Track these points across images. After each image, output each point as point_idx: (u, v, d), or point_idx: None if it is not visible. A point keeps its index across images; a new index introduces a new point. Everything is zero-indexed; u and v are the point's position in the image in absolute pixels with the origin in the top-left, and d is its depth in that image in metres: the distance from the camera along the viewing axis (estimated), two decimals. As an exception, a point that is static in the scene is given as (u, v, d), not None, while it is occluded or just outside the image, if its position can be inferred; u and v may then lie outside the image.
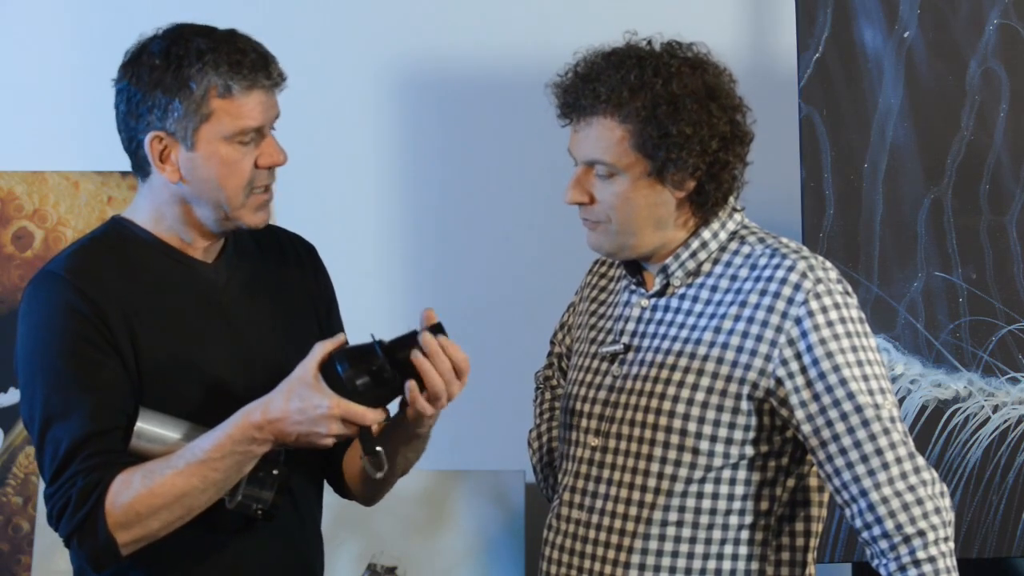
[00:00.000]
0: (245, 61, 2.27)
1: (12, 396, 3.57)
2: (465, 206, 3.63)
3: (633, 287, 2.44)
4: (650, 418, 2.34)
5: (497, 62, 3.60)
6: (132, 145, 2.33)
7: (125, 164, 3.60)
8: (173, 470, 2.19)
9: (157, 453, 2.23)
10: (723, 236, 2.38)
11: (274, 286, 2.44)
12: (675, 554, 2.33)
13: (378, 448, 2.20)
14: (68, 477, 2.22)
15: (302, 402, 2.16)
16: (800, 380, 2.28)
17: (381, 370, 2.16)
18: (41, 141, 3.64)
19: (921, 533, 2.26)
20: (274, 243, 2.49)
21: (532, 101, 3.56)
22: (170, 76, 2.26)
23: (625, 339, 2.41)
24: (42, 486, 3.48)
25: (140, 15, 3.64)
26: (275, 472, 2.24)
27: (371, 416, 2.17)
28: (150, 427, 2.24)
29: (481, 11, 3.61)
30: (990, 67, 3.24)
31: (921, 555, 2.25)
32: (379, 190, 3.64)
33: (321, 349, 2.18)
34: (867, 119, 3.24)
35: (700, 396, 2.31)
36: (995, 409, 3.24)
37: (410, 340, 2.19)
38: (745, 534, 2.35)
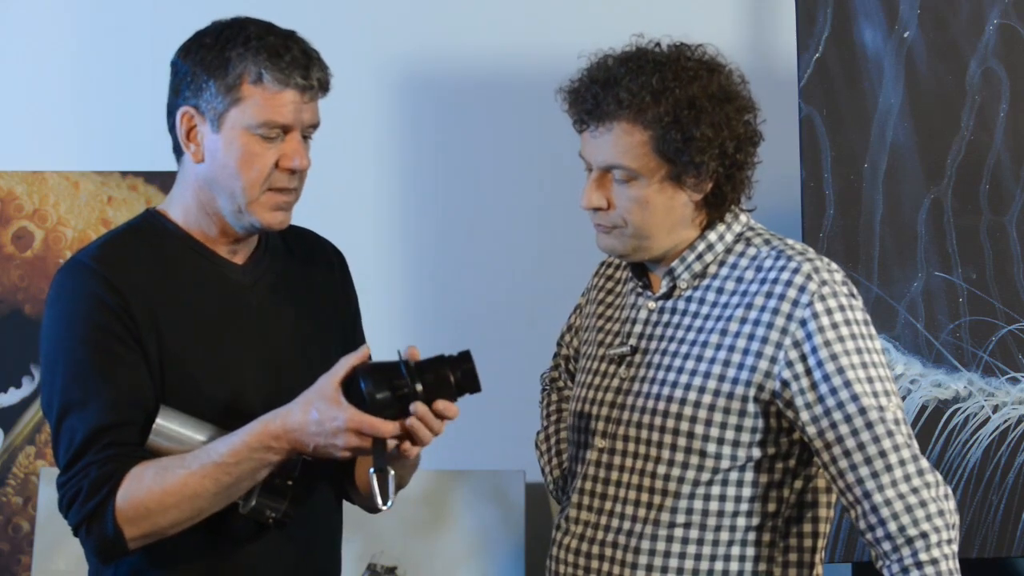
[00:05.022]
0: (286, 56, 2.27)
1: (12, 396, 3.57)
2: (465, 206, 3.63)
3: (640, 289, 2.44)
4: (657, 420, 2.34)
5: (497, 62, 3.60)
6: (170, 121, 2.33)
7: (125, 164, 3.61)
8: (187, 470, 2.19)
9: (175, 452, 2.22)
10: (729, 238, 2.39)
11: (302, 290, 2.43)
12: (683, 555, 2.33)
13: (389, 469, 2.18)
14: (82, 467, 2.21)
15: (319, 414, 2.15)
16: (805, 382, 2.28)
17: (404, 388, 2.15)
18: (41, 141, 3.64)
19: (924, 535, 2.26)
20: (305, 247, 2.48)
21: (532, 101, 3.57)
22: (213, 55, 2.26)
23: (632, 341, 2.41)
24: (42, 487, 3.48)
25: (140, 15, 3.65)
26: (290, 482, 2.24)
27: (387, 429, 2.15)
28: (170, 425, 2.23)
29: (481, 11, 3.61)
30: (990, 67, 3.24)
31: (924, 557, 2.25)
32: (379, 190, 3.64)
33: (345, 363, 2.17)
34: (867, 119, 3.24)
35: (707, 398, 2.31)
36: (995, 409, 3.24)
37: (437, 363, 2.18)
38: (752, 535, 2.35)
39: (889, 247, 3.24)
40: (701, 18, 3.52)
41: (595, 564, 2.38)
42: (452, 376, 2.18)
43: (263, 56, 2.26)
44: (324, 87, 2.32)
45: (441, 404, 2.18)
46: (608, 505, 2.38)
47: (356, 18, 3.62)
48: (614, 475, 2.38)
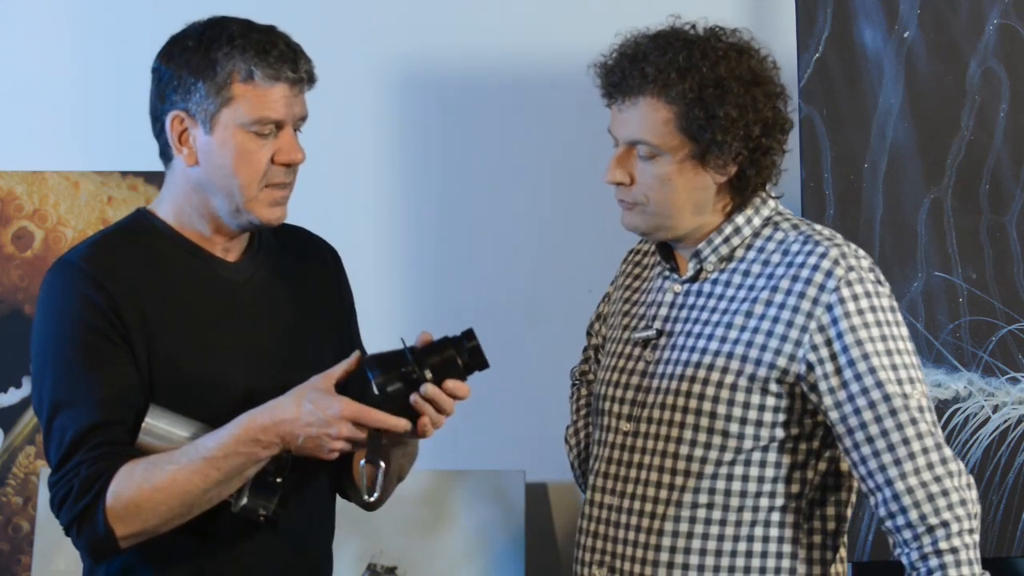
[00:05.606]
0: (273, 51, 2.28)
1: (12, 396, 3.57)
2: (465, 206, 3.63)
3: (667, 273, 2.44)
4: (680, 401, 2.34)
5: (497, 62, 3.60)
6: (156, 127, 2.33)
7: (125, 164, 3.61)
8: (175, 466, 2.19)
9: (165, 451, 2.22)
10: (757, 222, 2.39)
11: (296, 288, 2.43)
12: (706, 536, 2.33)
13: (380, 463, 2.19)
14: (72, 466, 2.22)
15: (313, 404, 2.17)
16: (830, 367, 2.28)
17: (412, 373, 2.17)
18: (41, 141, 3.63)
19: (945, 524, 2.26)
20: (298, 244, 2.48)
21: (533, 101, 3.56)
22: (198, 57, 2.27)
23: (658, 324, 2.41)
24: (42, 487, 3.48)
25: (140, 16, 3.65)
26: (279, 479, 2.24)
27: (384, 419, 2.17)
28: (159, 424, 2.24)
29: (481, 11, 3.61)
30: (990, 67, 3.24)
31: (943, 545, 2.26)
32: (378, 190, 3.64)
33: (341, 366, 2.21)
34: (867, 119, 3.24)
35: (730, 379, 2.32)
36: (995, 409, 3.24)
37: (442, 345, 2.20)
38: (776, 516, 2.35)
39: (889, 247, 3.24)
40: (701, 17, 3.51)
41: (619, 548, 2.38)
42: (459, 356, 2.19)
43: (251, 53, 2.27)
44: (311, 79, 2.34)
45: (451, 383, 2.19)
46: (631, 488, 2.38)
47: (356, 18, 3.62)
48: (636, 457, 2.38)
